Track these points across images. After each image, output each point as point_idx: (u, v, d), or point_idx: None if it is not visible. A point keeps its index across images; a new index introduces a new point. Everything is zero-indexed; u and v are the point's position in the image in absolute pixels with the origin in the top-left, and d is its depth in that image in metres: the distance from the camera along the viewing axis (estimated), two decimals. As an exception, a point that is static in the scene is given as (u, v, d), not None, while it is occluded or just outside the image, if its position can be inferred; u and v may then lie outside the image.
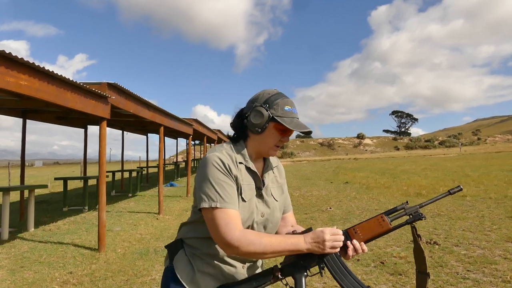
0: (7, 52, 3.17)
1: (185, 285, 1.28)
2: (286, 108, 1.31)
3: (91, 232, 6.27)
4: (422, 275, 1.29)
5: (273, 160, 1.49)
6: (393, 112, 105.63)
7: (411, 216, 1.29)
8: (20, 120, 8.10)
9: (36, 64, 3.56)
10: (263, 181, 1.38)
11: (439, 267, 3.88)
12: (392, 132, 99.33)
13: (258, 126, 1.30)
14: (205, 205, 1.21)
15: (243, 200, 1.28)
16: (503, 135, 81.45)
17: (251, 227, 1.32)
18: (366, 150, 69.47)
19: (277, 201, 1.41)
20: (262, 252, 1.18)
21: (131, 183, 12.39)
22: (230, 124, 1.42)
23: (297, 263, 1.28)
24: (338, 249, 1.24)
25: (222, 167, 1.24)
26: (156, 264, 4.46)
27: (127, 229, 6.57)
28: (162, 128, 8.82)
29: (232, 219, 1.20)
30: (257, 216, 1.33)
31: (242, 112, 1.38)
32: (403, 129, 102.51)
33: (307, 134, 1.35)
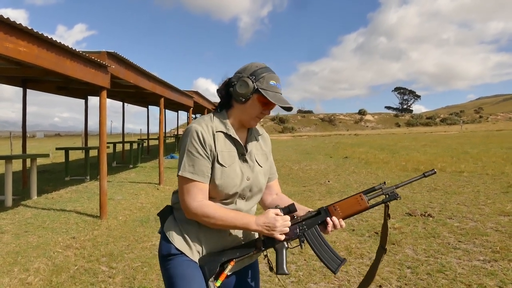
0: (6, 17, 3.15)
1: (176, 247, 1.36)
2: (271, 82, 1.36)
3: (92, 201, 6.39)
4: (381, 249, 1.41)
5: (258, 129, 1.54)
6: (396, 89, 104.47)
7: (387, 196, 1.37)
8: (20, 91, 8.10)
9: (35, 31, 3.53)
10: (245, 147, 1.43)
11: (431, 237, 3.99)
12: (394, 109, 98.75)
13: (243, 95, 1.35)
14: (178, 172, 1.35)
15: (222, 165, 1.35)
16: (505, 114, 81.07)
17: (237, 191, 1.38)
18: (367, 126, 69.38)
19: (261, 166, 1.47)
20: (213, 224, 1.32)
21: (132, 154, 12.49)
22: (217, 90, 1.47)
23: None
24: (283, 237, 1.33)
25: (197, 139, 1.33)
26: (156, 231, 4.58)
27: (128, 198, 6.69)
28: (162, 99, 8.81)
29: (194, 190, 1.32)
30: (243, 180, 1.39)
31: (229, 81, 1.42)
32: (405, 106, 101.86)
33: (288, 110, 1.39)
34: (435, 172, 1.42)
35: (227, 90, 1.41)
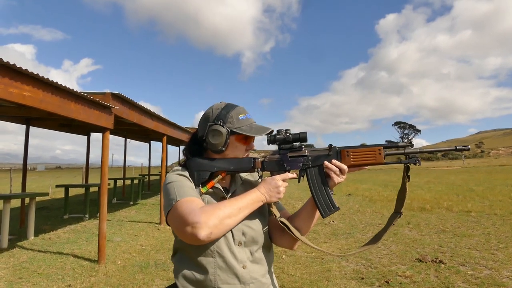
0: (12, 63, 3.15)
1: None
2: (241, 117, 1.30)
3: (91, 242, 6.20)
4: (395, 213, 1.33)
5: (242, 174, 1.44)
6: (396, 123, 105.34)
7: (407, 158, 1.29)
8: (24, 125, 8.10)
9: (40, 76, 3.53)
10: (227, 189, 1.34)
11: (445, 288, 3.79)
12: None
13: (220, 144, 1.28)
14: (168, 209, 1.19)
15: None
16: (506, 148, 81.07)
17: (229, 237, 1.24)
18: (368, 161, 69.21)
19: None
20: (229, 215, 1.14)
21: (133, 190, 12.33)
22: (184, 151, 1.37)
23: (280, 162, 1.31)
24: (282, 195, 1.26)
25: (181, 175, 1.26)
26: (156, 278, 4.39)
27: (127, 239, 6.49)
28: (165, 137, 8.79)
29: (194, 202, 1.16)
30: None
31: (197, 136, 1.35)
32: (405, 140, 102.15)
33: (270, 134, 1.34)
34: (469, 149, 1.30)
35: (199, 146, 1.33)
